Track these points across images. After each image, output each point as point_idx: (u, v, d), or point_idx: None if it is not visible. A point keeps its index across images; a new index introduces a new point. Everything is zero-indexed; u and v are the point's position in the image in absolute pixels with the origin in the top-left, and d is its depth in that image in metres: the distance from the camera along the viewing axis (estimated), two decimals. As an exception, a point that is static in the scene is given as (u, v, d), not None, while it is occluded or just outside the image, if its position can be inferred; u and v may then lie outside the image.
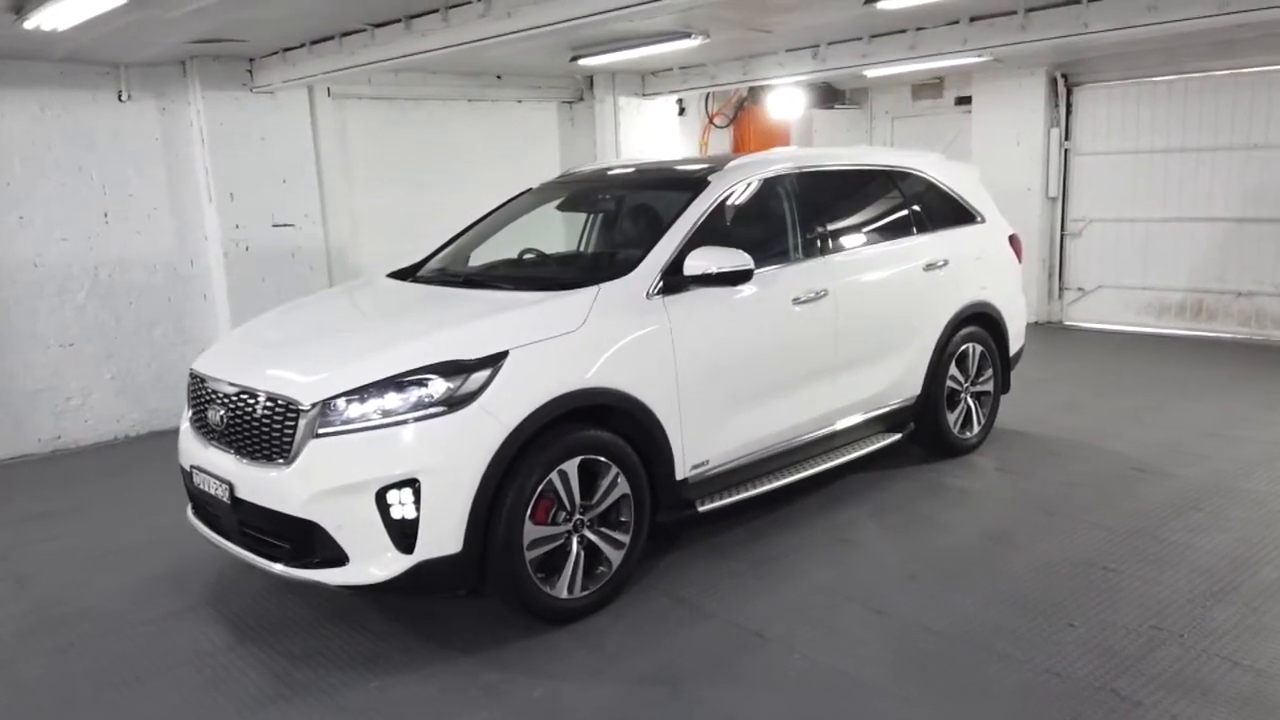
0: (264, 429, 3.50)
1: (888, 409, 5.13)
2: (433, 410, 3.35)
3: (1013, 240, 6.00)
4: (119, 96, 6.66)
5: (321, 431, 3.34)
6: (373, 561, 3.34)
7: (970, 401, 5.63)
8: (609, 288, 3.93)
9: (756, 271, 4.29)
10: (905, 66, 7.89)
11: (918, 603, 3.81)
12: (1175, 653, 3.33)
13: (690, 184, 4.44)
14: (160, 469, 5.57)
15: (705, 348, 4.10)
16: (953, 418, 5.52)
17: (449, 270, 4.74)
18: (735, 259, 4.04)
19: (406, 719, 3.12)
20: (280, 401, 3.46)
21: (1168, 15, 5.97)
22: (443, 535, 3.34)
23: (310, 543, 3.39)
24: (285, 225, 7.21)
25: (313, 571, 3.41)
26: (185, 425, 4.00)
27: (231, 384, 3.68)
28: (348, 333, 3.92)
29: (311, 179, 7.34)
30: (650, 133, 9.51)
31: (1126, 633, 3.49)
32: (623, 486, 3.81)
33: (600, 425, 3.76)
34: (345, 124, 7.80)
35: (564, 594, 3.66)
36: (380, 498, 3.31)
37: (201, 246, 7.08)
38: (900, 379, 5.14)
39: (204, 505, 3.87)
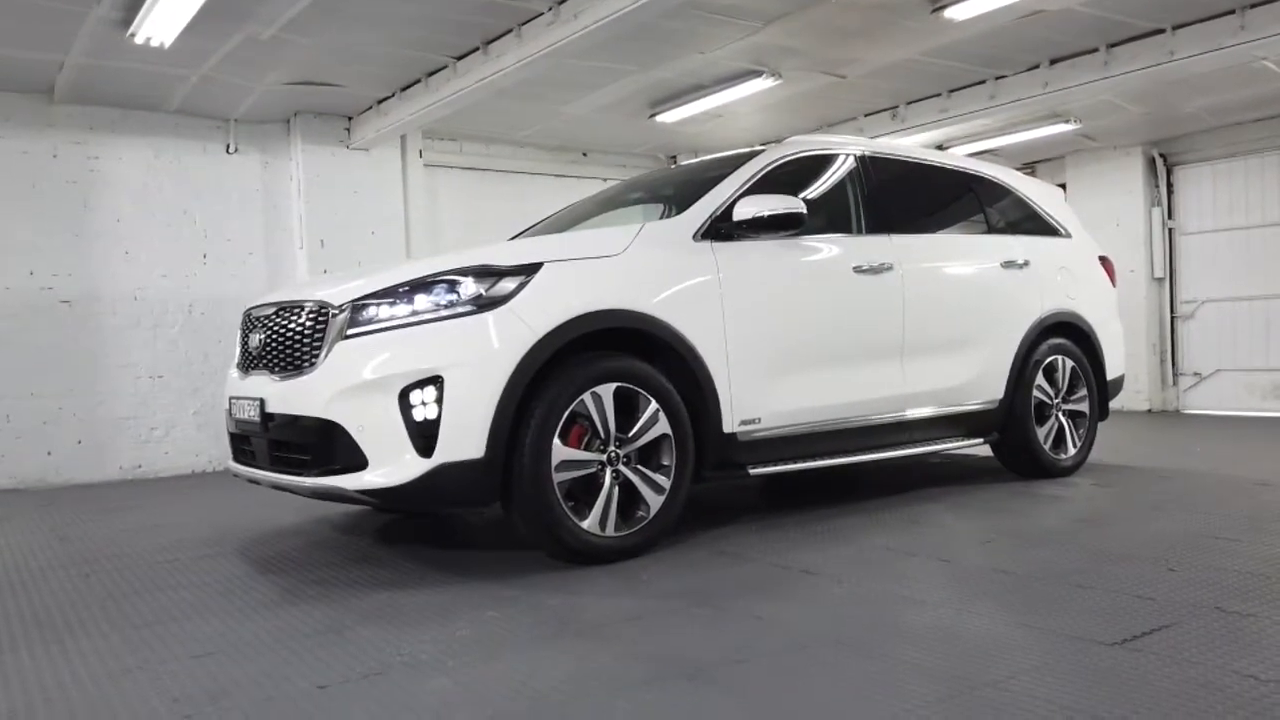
0: (296, 340, 3.47)
1: (966, 409, 4.76)
2: (461, 310, 3.26)
3: (1104, 261, 5.69)
4: (227, 149, 7.15)
5: (350, 333, 3.28)
6: (391, 465, 3.19)
7: (1063, 419, 5.20)
8: (654, 225, 3.86)
9: (814, 237, 4.18)
10: (987, 118, 7.78)
11: (991, 557, 3.39)
12: (1297, 587, 2.83)
13: (740, 159, 4.39)
14: (228, 492, 5.59)
15: (755, 298, 3.92)
16: (1043, 432, 5.08)
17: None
18: (786, 203, 3.92)
19: (412, 615, 2.87)
20: (314, 307, 3.44)
21: (1258, 33, 5.79)
22: (464, 437, 3.17)
23: (331, 447, 3.27)
24: (371, 273, 7.43)
25: (333, 478, 3.27)
26: (231, 370, 4.01)
27: (273, 304, 3.70)
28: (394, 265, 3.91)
29: (399, 233, 7.63)
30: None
31: (1234, 573, 3.00)
32: (663, 425, 3.58)
33: (642, 358, 3.59)
34: (436, 189, 8.14)
35: (594, 528, 3.40)
36: (403, 396, 3.19)
37: (291, 292, 7.34)
38: (978, 377, 4.80)
39: (241, 444, 3.82)
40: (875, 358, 4.36)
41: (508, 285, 3.33)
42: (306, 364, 3.39)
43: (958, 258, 4.83)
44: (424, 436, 3.18)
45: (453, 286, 3.30)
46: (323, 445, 3.30)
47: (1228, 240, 9.29)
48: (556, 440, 3.32)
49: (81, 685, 2.35)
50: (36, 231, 6.48)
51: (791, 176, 4.44)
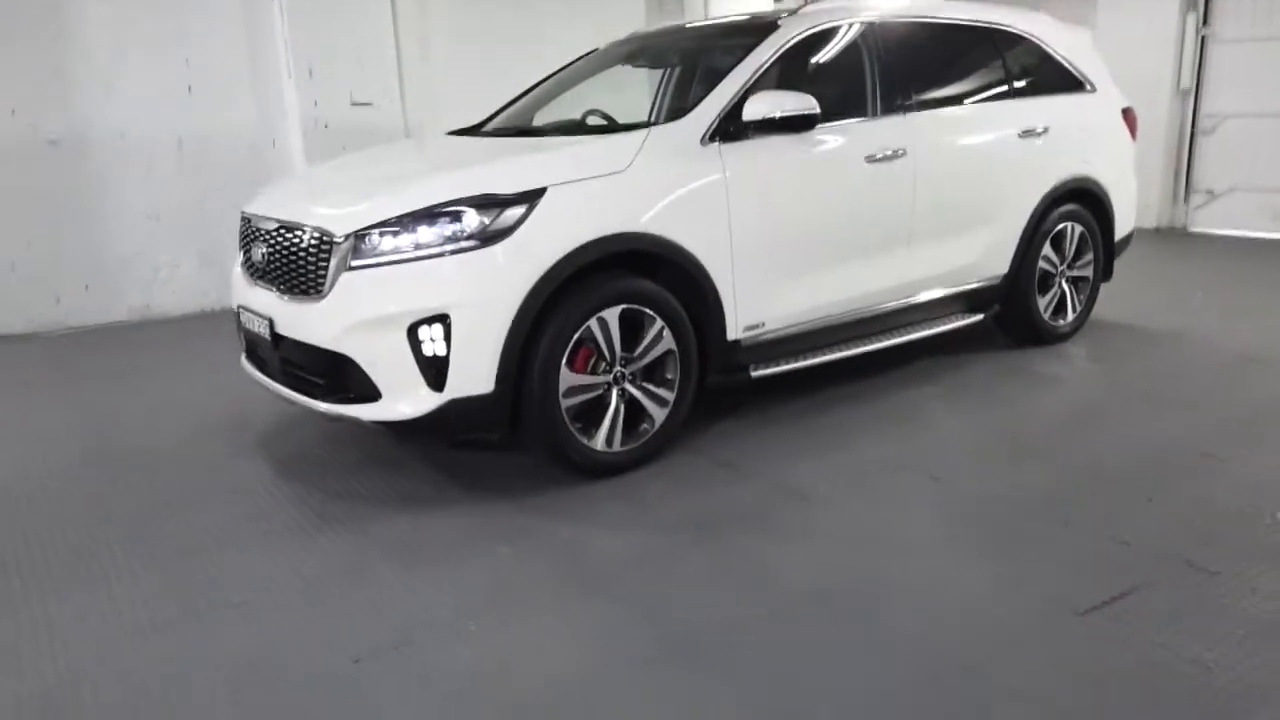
0: (301, 263, 3.44)
1: (971, 287, 4.78)
2: (464, 244, 3.22)
3: (1126, 114, 5.47)
4: (202, -34, 6.66)
5: (354, 264, 3.25)
6: (404, 398, 3.27)
7: (1065, 286, 5.21)
8: (659, 131, 3.71)
9: (826, 125, 4.04)
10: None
11: (980, 473, 3.55)
12: (1265, 531, 3.00)
13: (757, 30, 4.13)
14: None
15: (764, 201, 3.85)
16: (1044, 302, 5.12)
17: (507, 127, 4.57)
18: (799, 102, 3.76)
19: (430, 550, 3.07)
20: (315, 234, 3.39)
21: None
22: (474, 374, 3.24)
23: (344, 377, 3.34)
24: (363, 104, 7.16)
25: (347, 406, 3.37)
26: (236, 268, 4.00)
27: (273, 219, 3.64)
28: (392, 173, 3.79)
29: (390, 56, 7.26)
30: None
31: (1211, 510, 3.16)
32: (668, 341, 3.64)
33: (645, 275, 3.58)
34: (427, 6, 7.64)
35: (601, 446, 3.54)
36: (412, 332, 3.22)
37: (282, 125, 7.10)
38: (986, 255, 4.77)
39: (254, 348, 3.88)
40: (882, 248, 4.33)
41: (511, 215, 3.27)
42: (314, 290, 3.38)
43: (973, 133, 4.66)
44: (436, 372, 3.24)
45: (456, 217, 3.24)
46: (336, 374, 3.36)
47: (1266, 51, 8.81)
48: (564, 368, 3.38)
49: (129, 642, 2.55)
50: (13, 70, 6.17)
51: (804, 56, 4.22)
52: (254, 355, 3.93)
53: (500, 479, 3.62)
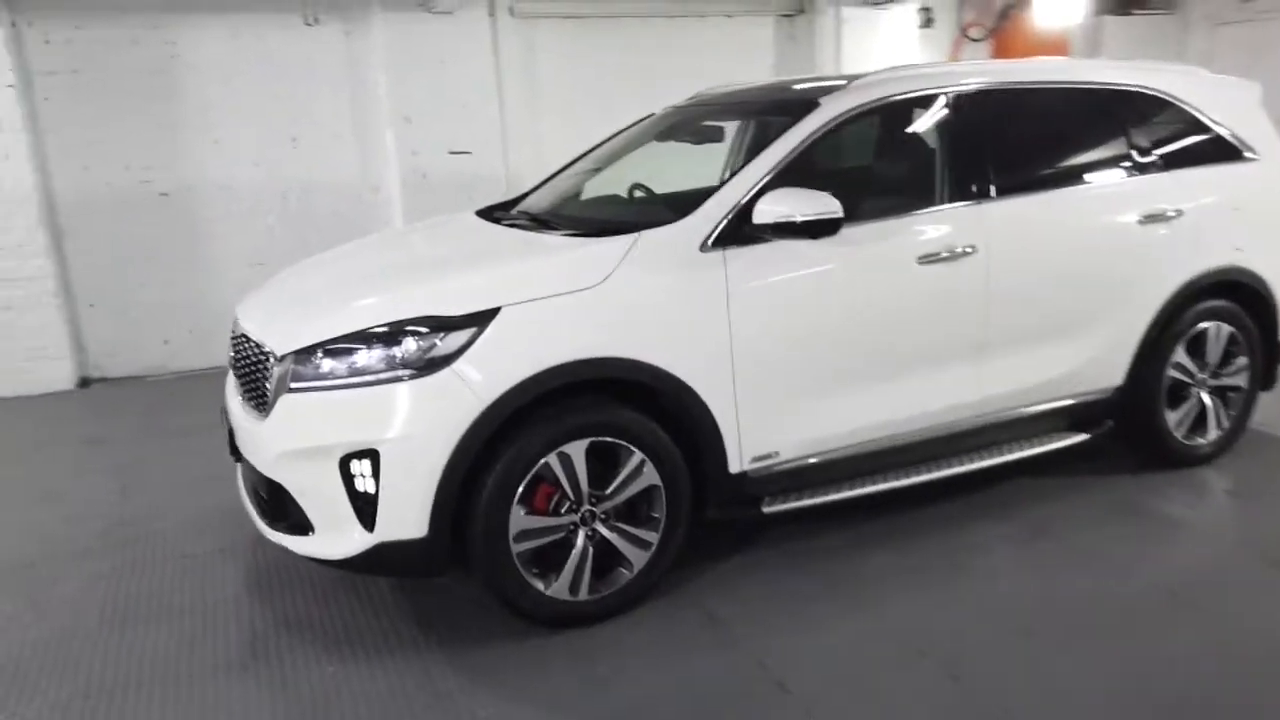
0: (256, 377, 3.23)
1: (1070, 401, 3.99)
2: (399, 373, 2.89)
3: (1302, 184, 4.46)
4: (306, 21, 6.72)
5: (294, 386, 2.99)
6: (335, 534, 2.98)
7: (1207, 398, 4.28)
8: (651, 236, 3.23)
9: (867, 224, 3.44)
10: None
11: (1015, 671, 2.85)
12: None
13: (795, 108, 3.57)
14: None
15: (779, 315, 3.30)
16: (1175, 417, 4.21)
17: (533, 208, 4.19)
18: (816, 204, 3.18)
19: (344, 711, 2.76)
20: (261, 350, 3.16)
21: None
22: (404, 517, 2.90)
23: (281, 504, 3.09)
24: (462, 153, 7.03)
25: (283, 536, 3.12)
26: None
27: (239, 326, 3.46)
28: (361, 279, 3.48)
29: (492, 104, 7.09)
30: (882, 49, 8.32)
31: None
32: (650, 476, 3.17)
33: (622, 402, 3.13)
34: (531, 46, 7.43)
35: (564, 594, 3.12)
36: (344, 466, 2.92)
37: (384, 173, 7.09)
38: (1091, 364, 3.96)
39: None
40: (941, 361, 3.65)
41: (455, 340, 2.90)
42: (261, 408, 3.15)
43: (1074, 223, 3.86)
44: (368, 510, 2.93)
45: (394, 341, 2.91)
46: (274, 501, 3.13)
47: None
48: (517, 508, 2.99)
49: None
50: (127, 125, 6.44)
51: (847, 140, 3.62)
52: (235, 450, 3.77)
53: (461, 616, 3.27)
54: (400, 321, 2.92)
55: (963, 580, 3.41)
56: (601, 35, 7.67)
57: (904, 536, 3.72)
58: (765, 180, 3.32)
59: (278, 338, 3.08)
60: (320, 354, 2.95)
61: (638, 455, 3.13)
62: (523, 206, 4.26)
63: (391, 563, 2.98)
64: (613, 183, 4.40)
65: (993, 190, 3.69)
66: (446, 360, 2.88)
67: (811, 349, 3.37)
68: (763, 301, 3.26)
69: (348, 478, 2.92)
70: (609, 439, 3.08)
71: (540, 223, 3.80)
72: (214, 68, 6.57)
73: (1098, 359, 3.98)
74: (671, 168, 4.42)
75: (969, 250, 3.58)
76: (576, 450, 3.04)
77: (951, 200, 3.66)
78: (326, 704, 2.82)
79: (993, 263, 3.63)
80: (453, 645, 3.11)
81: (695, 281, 3.18)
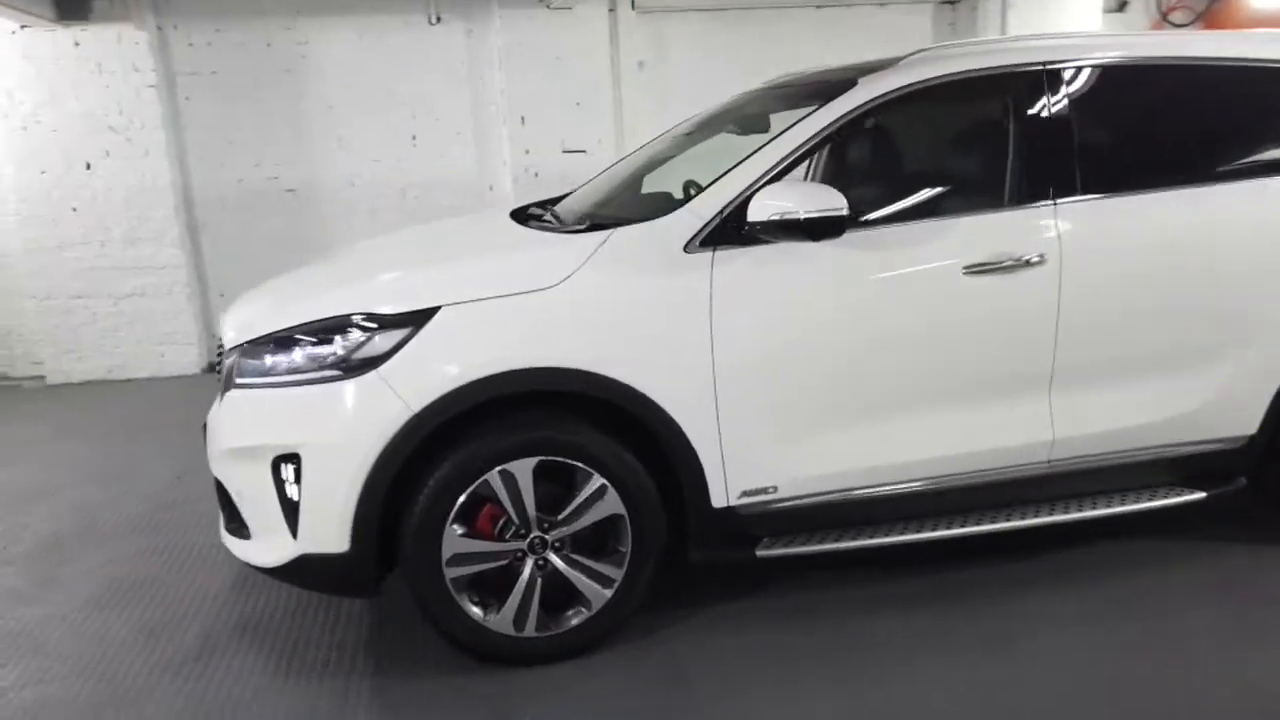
0: (219, 369, 3.12)
1: (1182, 451, 3.23)
2: (327, 373, 2.67)
3: None
4: (429, 20, 6.77)
5: (239, 381, 2.84)
6: (267, 540, 2.80)
7: (1384, 456, 3.37)
8: (625, 233, 2.85)
9: (900, 226, 2.92)
10: None
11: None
12: None
13: (832, 89, 3.07)
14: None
15: (774, 329, 2.83)
16: (1335, 477, 3.35)
17: (570, 206, 3.88)
18: (820, 199, 2.70)
19: (235, 738, 2.59)
20: (220, 344, 3.05)
21: None
22: (325, 529, 2.68)
23: (227, 505, 2.97)
24: (576, 151, 6.85)
25: (228, 537, 2.99)
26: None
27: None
28: (330, 276, 3.26)
29: (607, 102, 6.87)
30: (1056, 38, 7.38)
31: None
32: (613, 504, 2.79)
33: (581, 418, 2.78)
34: (660, 41, 7.14)
35: (509, 629, 2.80)
36: (276, 468, 2.74)
37: (499, 171, 7.03)
38: (1212, 406, 3.18)
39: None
40: (995, 394, 3.03)
41: (386, 341, 2.65)
42: (219, 402, 3.04)
43: (1185, 232, 3.11)
44: (293, 517, 2.74)
45: (325, 339, 2.70)
46: (221, 499, 3.00)
47: None
48: (454, 528, 2.71)
49: None
50: (259, 123, 6.73)
51: (888, 128, 3.10)
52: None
53: (410, 642, 3.02)
54: (332, 318, 2.71)
55: (995, 660, 2.79)
56: (736, 27, 7.27)
57: (940, 599, 3.13)
58: (775, 171, 2.86)
59: (230, 332, 2.96)
60: (260, 350, 2.79)
61: (597, 479, 2.76)
62: (564, 204, 3.97)
63: (316, 576, 2.78)
64: (672, 176, 4.03)
65: (1074, 188, 3.02)
66: (375, 362, 2.64)
67: (818, 371, 2.87)
68: (756, 313, 2.80)
69: (278, 481, 2.74)
70: (562, 459, 2.73)
71: (562, 221, 3.49)
72: (340, 68, 6.75)
73: (1221, 401, 3.20)
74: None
75: (1035, 260, 2.95)
76: (522, 469, 2.71)
77: (1017, 199, 3.03)
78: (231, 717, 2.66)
79: (1066, 276, 2.97)
80: (387, 673, 2.86)
81: (673, 286, 2.77)
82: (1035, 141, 3.06)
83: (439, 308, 2.67)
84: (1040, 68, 3.09)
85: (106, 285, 6.59)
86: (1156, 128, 3.23)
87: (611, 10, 6.83)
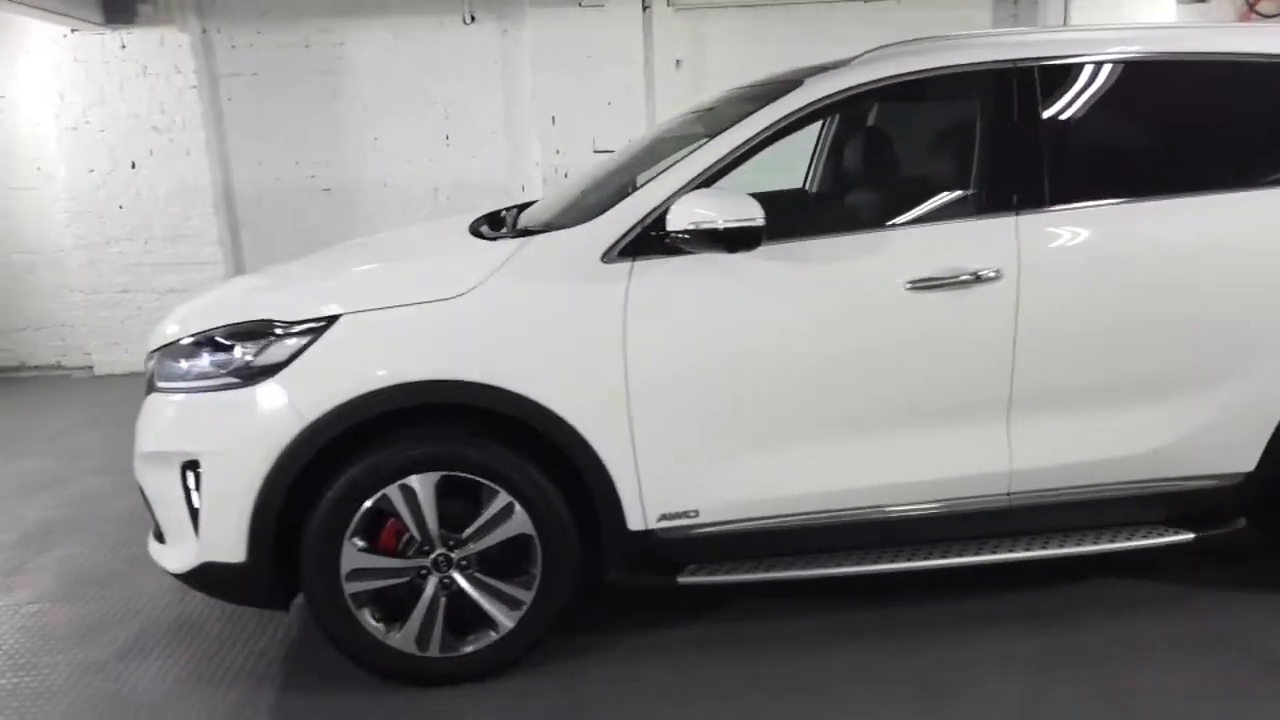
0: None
1: (1169, 488, 2.93)
2: (226, 380, 2.64)
3: None
4: (464, 19, 6.76)
5: (157, 385, 2.84)
6: (177, 547, 2.78)
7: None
8: (540, 241, 2.74)
9: (837, 238, 2.73)
10: None
11: None
12: None
13: (770, 93, 2.89)
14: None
15: (693, 346, 2.66)
16: (1350, 525, 2.98)
17: (532, 215, 3.75)
18: (740, 208, 2.53)
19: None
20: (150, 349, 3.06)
21: None
22: (223, 539, 2.64)
23: (149, 508, 2.97)
24: (606, 151, 6.73)
25: (150, 541, 2.99)
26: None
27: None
28: (263, 280, 3.23)
29: (640, 101, 6.74)
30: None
31: None
32: (521, 523, 2.68)
33: (488, 433, 2.67)
34: (698, 37, 6.96)
35: (411, 648, 2.72)
36: (184, 474, 2.72)
37: (531, 172, 6.98)
38: (1201, 438, 2.87)
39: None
40: (942, 419, 2.79)
41: (283, 349, 2.60)
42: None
43: (1167, 241, 2.79)
44: (196, 524, 2.72)
45: (227, 346, 2.67)
46: (145, 503, 3.00)
47: None
48: (353, 542, 2.64)
49: None
50: (297, 123, 6.84)
51: (848, 126, 2.89)
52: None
53: (324, 657, 2.98)
54: (236, 325, 2.68)
55: (920, 702, 2.57)
56: (780, 23, 7.01)
57: (888, 635, 2.91)
58: (703, 178, 2.70)
59: (155, 338, 2.96)
60: (175, 354, 2.78)
61: (504, 497, 2.66)
62: (531, 209, 3.86)
63: (220, 586, 2.76)
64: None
65: (1041, 197, 2.76)
66: (273, 370, 2.59)
67: (741, 392, 2.69)
68: (674, 328, 2.65)
69: (186, 487, 2.73)
70: (466, 475, 2.64)
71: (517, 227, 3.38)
72: (375, 68, 6.81)
73: (1211, 434, 2.88)
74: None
75: (990, 275, 2.70)
76: (423, 484, 2.63)
77: (975, 210, 2.79)
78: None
79: (1026, 293, 2.71)
80: (293, 687, 2.82)
81: (586, 297, 2.64)
82: (999, 147, 2.81)
83: (339, 317, 2.61)
84: (1010, 66, 2.82)
85: (150, 280, 6.82)
86: (1141, 132, 2.93)
87: (646, 8, 6.70)
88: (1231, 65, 2.86)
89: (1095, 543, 2.92)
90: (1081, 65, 2.86)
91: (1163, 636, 2.86)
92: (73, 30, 6.38)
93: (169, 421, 2.74)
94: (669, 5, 6.80)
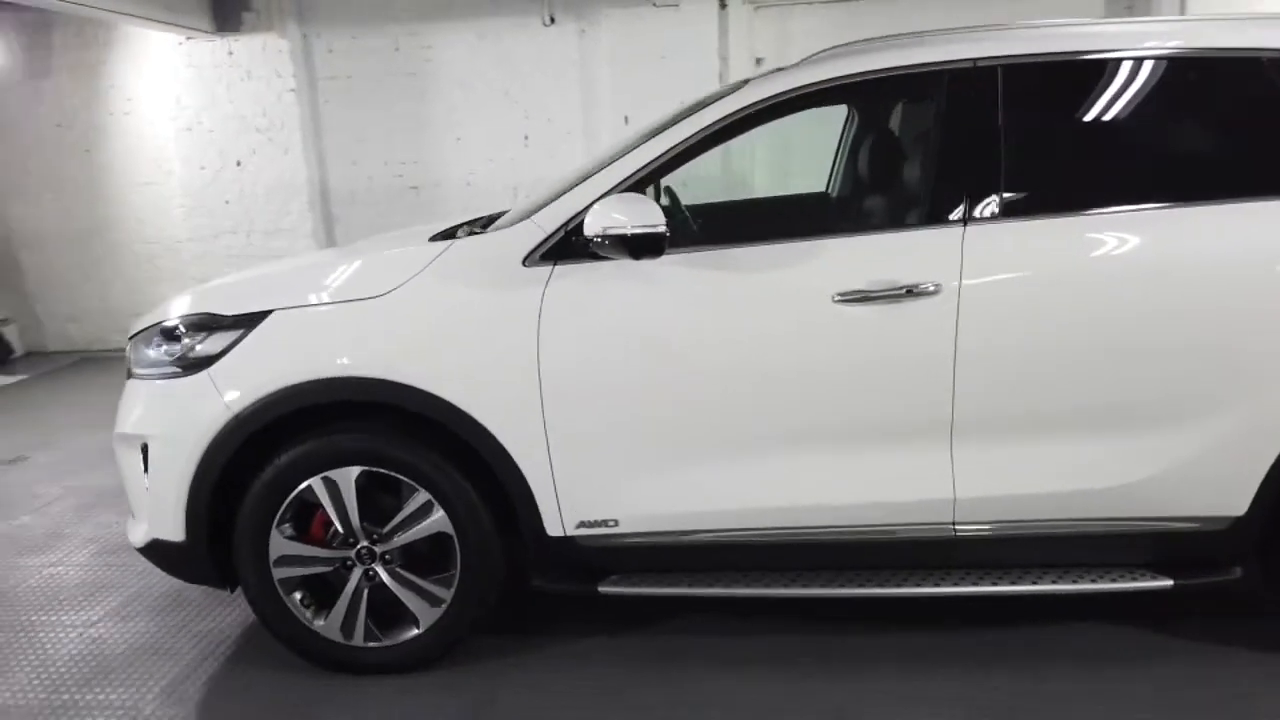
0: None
1: (1139, 528, 2.65)
2: (171, 370, 2.81)
3: None
4: (544, 21, 6.88)
5: (133, 371, 3.05)
6: (138, 522, 2.99)
7: None
8: (464, 244, 2.77)
9: (760, 246, 2.63)
10: None
11: None
12: None
13: (713, 97, 2.80)
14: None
15: (606, 354, 2.62)
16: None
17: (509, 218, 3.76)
18: (643, 214, 2.48)
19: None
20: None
21: None
22: (165, 518, 2.81)
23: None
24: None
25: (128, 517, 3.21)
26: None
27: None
28: (243, 275, 3.40)
29: (713, 100, 6.64)
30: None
31: None
32: (439, 522, 2.73)
33: (408, 431, 2.72)
34: (780, 35, 6.81)
35: (336, 636, 2.82)
36: (144, 455, 2.92)
37: (607, 171, 7.01)
38: (1178, 476, 2.58)
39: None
40: (873, 440, 2.63)
41: (219, 342, 2.74)
42: (126, 389, 3.27)
43: (1137, 255, 2.52)
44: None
45: (174, 337, 2.84)
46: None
47: None
48: (279, 530, 2.76)
49: None
50: (387, 124, 7.15)
51: (793, 130, 2.77)
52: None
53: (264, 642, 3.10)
54: (188, 316, 2.84)
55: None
56: (866, 19, 6.78)
57: (818, 663, 2.77)
58: (631, 182, 2.65)
59: (134, 325, 3.17)
60: (140, 342, 2.98)
61: (422, 495, 2.71)
62: (511, 212, 3.88)
63: (166, 562, 2.92)
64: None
65: (993, 207, 2.56)
66: (207, 362, 2.74)
67: (656, 402, 2.63)
68: (586, 334, 2.62)
69: (146, 467, 2.92)
70: (385, 471, 2.70)
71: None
72: (459, 70, 7.03)
73: (1187, 471, 2.59)
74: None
75: (927, 289, 2.53)
76: (344, 478, 2.71)
77: (919, 219, 2.62)
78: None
79: (967, 309, 2.52)
80: (223, 672, 2.97)
81: (503, 302, 2.65)
82: (950, 153, 2.61)
83: (270, 312, 2.72)
84: (968, 66, 2.62)
85: (251, 271, 7.29)
86: (1111, 139, 2.65)
87: (723, 7, 6.61)
88: (1202, 63, 2.55)
89: (1055, 582, 2.69)
90: (1051, 65, 2.62)
91: (1141, 665, 2.60)
92: (187, 38, 6.91)
93: (133, 405, 2.93)
94: (746, 3, 6.68)
